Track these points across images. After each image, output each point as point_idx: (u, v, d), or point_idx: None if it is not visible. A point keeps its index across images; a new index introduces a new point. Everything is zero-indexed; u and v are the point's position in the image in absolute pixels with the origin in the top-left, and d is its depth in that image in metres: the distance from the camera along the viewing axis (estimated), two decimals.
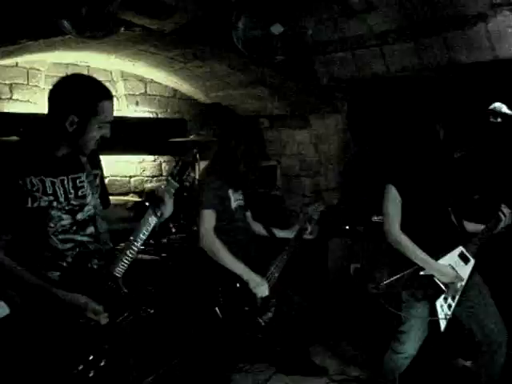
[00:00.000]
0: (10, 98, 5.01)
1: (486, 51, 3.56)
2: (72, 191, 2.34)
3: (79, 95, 2.25)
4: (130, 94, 5.81)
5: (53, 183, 2.26)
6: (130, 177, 5.91)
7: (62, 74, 5.16)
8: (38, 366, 2.15)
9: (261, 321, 3.40)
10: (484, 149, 3.80)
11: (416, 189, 3.07)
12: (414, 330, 3.12)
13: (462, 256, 3.06)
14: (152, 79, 5.92)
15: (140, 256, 4.00)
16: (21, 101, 5.07)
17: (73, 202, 2.32)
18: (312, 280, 5.04)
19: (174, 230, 4.24)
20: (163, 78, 5.76)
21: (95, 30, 3.56)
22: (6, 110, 4.96)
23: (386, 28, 3.93)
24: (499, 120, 2.41)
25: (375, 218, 4.69)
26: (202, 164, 5.51)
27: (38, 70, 5.16)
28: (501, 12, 3.29)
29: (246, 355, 4.08)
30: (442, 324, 2.99)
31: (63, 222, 2.27)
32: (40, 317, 2.17)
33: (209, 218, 3.34)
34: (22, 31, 3.64)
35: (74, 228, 2.32)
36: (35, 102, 5.15)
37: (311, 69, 4.84)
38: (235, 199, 3.51)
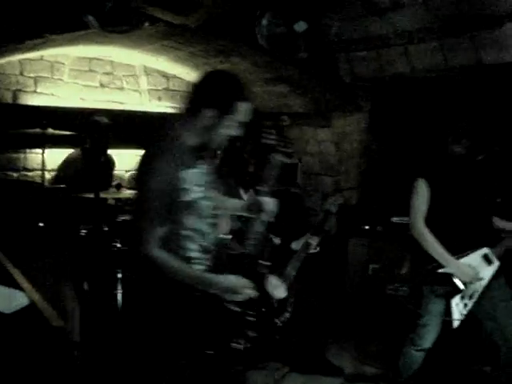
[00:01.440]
0: (35, 91, 5.06)
1: None
2: (207, 178, 2.44)
3: (220, 91, 2.31)
4: (152, 89, 5.83)
5: (200, 173, 2.37)
6: None
7: (86, 69, 5.34)
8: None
9: (278, 321, 3.39)
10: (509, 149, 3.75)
11: (446, 186, 3.07)
12: (433, 324, 3.15)
13: (485, 257, 3.03)
14: (174, 74, 5.93)
15: None
16: (45, 94, 5.12)
17: (208, 188, 2.44)
18: (330, 280, 5.02)
19: None
20: (186, 73, 5.76)
21: (119, 24, 3.58)
22: (30, 103, 5.01)
23: (411, 27, 3.89)
24: None
25: (395, 219, 4.65)
26: None
27: (62, 63, 5.20)
28: None
29: (261, 353, 4.08)
30: (455, 323, 2.98)
31: (206, 208, 2.39)
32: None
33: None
34: (46, 25, 3.67)
35: (211, 212, 2.45)
36: (59, 95, 5.19)
37: (334, 67, 4.81)
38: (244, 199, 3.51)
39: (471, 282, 2.98)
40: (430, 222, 3.08)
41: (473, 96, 3.85)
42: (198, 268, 2.34)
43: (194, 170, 2.31)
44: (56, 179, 4.82)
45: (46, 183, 4.75)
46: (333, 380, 3.84)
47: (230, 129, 2.35)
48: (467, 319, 3.18)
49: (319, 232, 3.70)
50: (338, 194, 3.71)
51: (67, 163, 4.82)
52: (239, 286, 2.30)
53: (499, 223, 3.20)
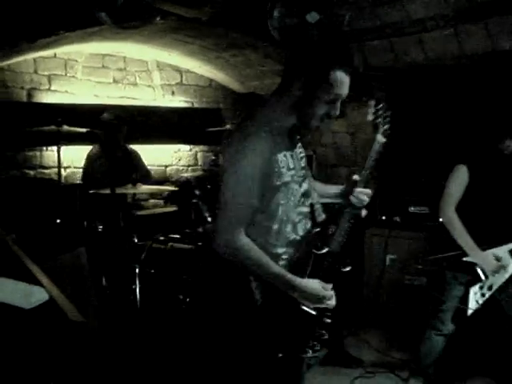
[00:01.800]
0: (49, 89, 5.09)
1: None
2: (299, 162, 2.22)
3: (314, 57, 2.00)
4: (165, 84, 5.83)
5: (291, 156, 2.15)
6: (166, 166, 5.95)
7: (99, 65, 5.36)
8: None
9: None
10: None
11: (487, 177, 3.05)
12: (453, 308, 3.18)
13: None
14: (187, 69, 5.93)
15: (175, 245, 4.02)
16: (59, 91, 5.14)
17: (300, 173, 2.21)
18: (348, 271, 5.00)
19: (209, 220, 4.25)
20: (198, 67, 5.76)
21: (131, 19, 3.58)
22: (44, 101, 5.04)
23: (424, 14, 3.84)
24: None
25: (412, 209, 4.62)
26: None
27: (76, 60, 5.22)
28: None
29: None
30: (470, 311, 3.01)
31: (297, 194, 2.18)
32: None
33: None
34: (59, 23, 3.68)
35: (302, 199, 2.22)
36: (73, 92, 5.22)
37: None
38: None
39: (493, 274, 2.97)
40: (462, 209, 3.07)
41: (488, 83, 3.80)
42: (281, 264, 2.11)
43: (288, 153, 2.11)
44: (85, 176, 4.84)
45: (63, 180, 4.78)
46: (352, 371, 3.83)
47: (326, 106, 2.08)
48: (488, 310, 3.19)
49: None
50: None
51: (91, 159, 4.84)
52: (321, 295, 2.14)
53: None
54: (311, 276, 2.17)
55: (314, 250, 2.23)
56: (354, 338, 4.34)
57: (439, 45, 4.03)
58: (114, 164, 4.69)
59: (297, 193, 2.17)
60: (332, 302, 2.22)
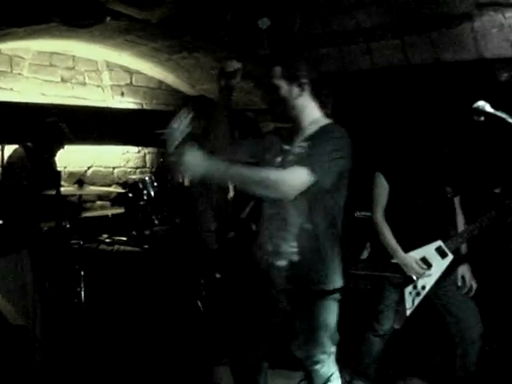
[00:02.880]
0: None
1: (470, 50, 3.58)
2: None
3: None
4: (115, 85, 5.77)
5: None
6: (114, 168, 5.88)
7: (46, 63, 5.25)
8: None
9: None
10: (467, 146, 3.84)
11: (403, 179, 3.19)
12: (389, 311, 3.28)
13: (439, 250, 3.12)
14: (138, 70, 5.88)
15: (121, 248, 3.98)
16: (3, 89, 5.01)
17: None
18: None
19: (156, 222, 4.23)
20: (149, 69, 5.72)
21: (81, 18, 3.54)
22: None
23: (373, 24, 3.94)
24: (482, 119, 2.43)
25: (358, 214, 4.70)
26: None
27: (22, 57, 5.10)
28: (486, 12, 3.31)
29: None
30: (408, 311, 3.12)
31: None
32: None
33: None
34: (5, 17, 3.60)
35: None
36: (18, 90, 5.09)
37: None
38: None
39: (416, 275, 3.10)
40: (389, 215, 3.21)
41: (431, 93, 3.92)
42: None
43: None
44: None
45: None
46: (297, 374, 3.87)
47: None
48: (429, 311, 3.30)
49: None
50: None
51: (13, 160, 4.65)
52: None
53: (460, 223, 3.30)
54: None
55: None
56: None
57: (386, 54, 4.13)
58: (42, 166, 4.54)
59: None
60: None
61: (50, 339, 3.19)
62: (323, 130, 2.44)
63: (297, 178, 2.27)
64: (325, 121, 2.50)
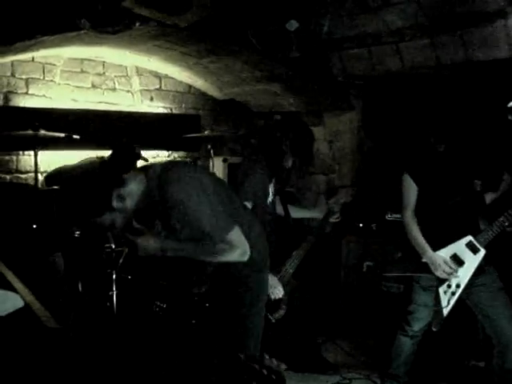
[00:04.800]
0: (26, 93, 5.04)
1: (504, 48, 3.52)
2: None
3: None
4: (144, 90, 5.81)
5: None
6: None
7: (78, 70, 5.32)
8: None
9: (271, 318, 3.39)
10: (502, 146, 3.77)
11: (431, 179, 3.18)
12: (420, 311, 3.26)
13: (470, 245, 3.05)
14: (167, 74, 5.92)
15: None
16: (36, 95, 5.09)
17: None
18: (325, 277, 5.03)
19: None
20: (178, 73, 5.76)
21: (110, 25, 3.58)
22: (21, 105, 4.99)
23: (402, 24, 3.90)
24: None
25: (389, 216, 4.66)
26: (216, 160, 5.52)
27: (54, 64, 5.18)
28: None
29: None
30: (445, 310, 3.03)
31: None
32: None
33: None
34: (38, 26, 3.66)
35: None
36: (50, 96, 5.17)
37: (326, 66, 4.82)
38: (272, 194, 3.45)
39: (442, 274, 3.06)
40: (420, 215, 3.21)
41: (463, 93, 3.87)
42: None
43: None
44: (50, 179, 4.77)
45: (40, 185, 4.73)
46: (329, 377, 3.85)
47: None
48: (463, 313, 3.24)
49: (320, 231, 3.66)
50: (343, 192, 3.67)
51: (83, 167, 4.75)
52: None
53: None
54: None
55: None
56: (331, 345, 4.36)
57: (416, 54, 4.09)
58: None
59: None
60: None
61: (83, 343, 3.23)
62: None
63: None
64: None
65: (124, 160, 4.71)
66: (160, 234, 2.48)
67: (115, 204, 2.34)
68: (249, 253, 2.34)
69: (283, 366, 3.79)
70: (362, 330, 4.54)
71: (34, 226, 3.97)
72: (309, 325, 3.95)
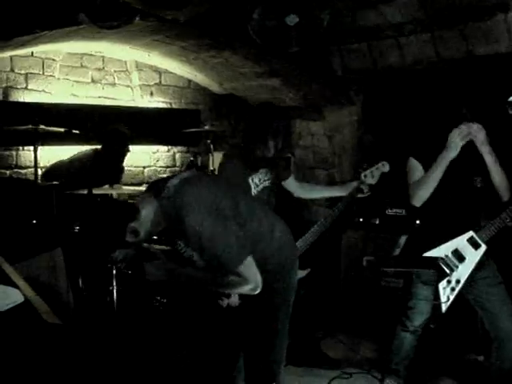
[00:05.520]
0: (26, 88, 5.04)
1: (504, 42, 3.51)
2: None
3: None
4: (144, 85, 5.81)
5: None
6: (144, 167, 5.92)
7: (77, 65, 5.31)
8: None
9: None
10: (503, 141, 3.76)
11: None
12: (419, 307, 3.24)
13: (471, 241, 3.04)
14: (166, 69, 5.91)
15: (153, 246, 4.00)
16: (36, 90, 5.09)
17: None
18: (324, 272, 5.03)
19: None
20: (178, 68, 5.75)
21: (110, 19, 3.56)
22: (21, 100, 4.99)
23: (402, 19, 3.88)
24: None
25: (390, 211, 4.66)
26: (216, 155, 5.52)
27: (53, 59, 5.17)
28: None
29: None
30: (444, 306, 3.03)
31: None
32: None
33: None
34: (37, 21, 3.65)
35: None
36: (50, 91, 5.17)
37: (326, 60, 4.81)
38: (257, 184, 3.44)
39: (454, 267, 3.04)
40: (422, 209, 3.18)
41: (464, 87, 3.86)
42: None
43: None
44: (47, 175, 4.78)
45: (39, 180, 4.73)
46: (329, 372, 3.85)
47: None
48: (462, 308, 3.24)
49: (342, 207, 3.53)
50: (380, 163, 3.51)
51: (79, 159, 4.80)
52: None
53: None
54: None
55: None
56: (331, 340, 4.37)
57: (416, 49, 4.08)
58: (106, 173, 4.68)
59: None
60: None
61: (83, 338, 3.23)
62: None
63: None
64: None
65: (116, 147, 4.77)
66: (183, 251, 2.44)
67: (129, 239, 2.32)
68: (260, 287, 2.26)
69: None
70: (363, 324, 4.54)
71: (34, 222, 3.96)
72: (309, 319, 3.95)
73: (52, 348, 1.84)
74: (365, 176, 3.46)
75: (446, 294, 3.04)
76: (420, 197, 3.08)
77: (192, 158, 5.40)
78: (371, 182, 3.45)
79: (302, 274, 3.56)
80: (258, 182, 3.44)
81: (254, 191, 3.43)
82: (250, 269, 2.24)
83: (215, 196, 2.29)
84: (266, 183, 3.51)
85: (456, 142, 2.95)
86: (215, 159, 5.49)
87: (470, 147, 3.09)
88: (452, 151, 2.96)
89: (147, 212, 2.31)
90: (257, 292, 2.27)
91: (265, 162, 3.40)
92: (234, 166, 3.31)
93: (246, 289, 2.26)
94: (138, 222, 2.30)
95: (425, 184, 3.06)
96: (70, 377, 1.82)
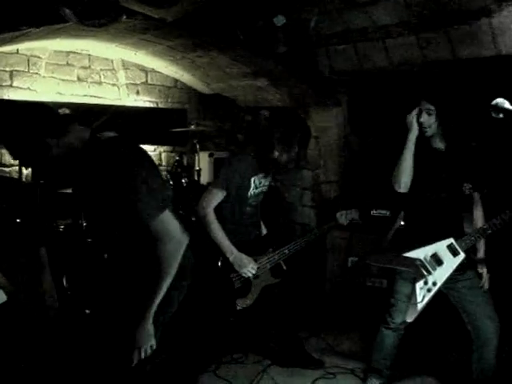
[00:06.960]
0: (11, 86, 5.00)
1: (488, 46, 3.54)
2: None
3: None
4: (130, 83, 5.79)
5: None
6: None
7: (63, 63, 5.28)
8: None
9: (238, 304, 3.43)
10: (486, 144, 3.80)
11: (420, 174, 3.17)
12: (401, 303, 3.29)
13: (451, 248, 3.09)
14: (153, 68, 5.90)
15: None
16: (21, 88, 5.05)
17: None
18: (309, 273, 5.05)
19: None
20: (164, 67, 5.74)
21: (97, 17, 3.55)
22: (5, 97, 4.94)
23: (388, 21, 3.91)
24: (501, 116, 2.41)
25: (374, 212, 4.69)
26: (202, 154, 5.51)
27: (39, 57, 5.14)
28: (505, 7, 3.27)
29: (239, 346, 4.10)
30: (419, 306, 3.08)
31: None
32: None
33: (214, 197, 3.36)
34: (23, 18, 3.62)
35: None
36: (35, 89, 5.13)
37: (313, 61, 4.82)
38: (256, 186, 3.48)
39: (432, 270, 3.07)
40: (407, 208, 3.34)
41: (449, 89, 3.89)
42: None
43: None
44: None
45: (24, 179, 4.70)
46: (313, 372, 3.87)
47: None
48: (444, 307, 3.28)
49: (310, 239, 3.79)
50: (353, 209, 3.80)
51: None
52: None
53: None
54: None
55: None
56: (316, 339, 4.38)
57: (402, 51, 4.10)
58: None
59: None
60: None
61: (67, 336, 3.21)
62: None
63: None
64: None
65: None
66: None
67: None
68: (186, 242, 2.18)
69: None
70: (347, 324, 4.57)
71: (18, 220, 3.94)
72: (293, 320, 3.96)
73: (36, 343, 1.84)
74: (341, 215, 3.80)
75: (422, 295, 3.08)
76: (399, 180, 3.17)
77: (178, 158, 5.39)
78: (343, 222, 3.80)
79: (272, 281, 3.63)
80: (258, 184, 3.50)
81: (251, 191, 3.46)
82: (171, 218, 2.17)
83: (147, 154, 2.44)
84: (264, 188, 3.57)
85: (410, 121, 3.18)
86: (201, 159, 5.49)
87: (464, 153, 3.14)
88: (411, 131, 3.18)
89: (73, 142, 2.35)
90: (183, 246, 2.19)
91: (275, 166, 3.46)
92: (246, 159, 3.39)
93: (172, 244, 2.16)
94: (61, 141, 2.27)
95: (399, 166, 3.17)
96: (55, 373, 1.82)
